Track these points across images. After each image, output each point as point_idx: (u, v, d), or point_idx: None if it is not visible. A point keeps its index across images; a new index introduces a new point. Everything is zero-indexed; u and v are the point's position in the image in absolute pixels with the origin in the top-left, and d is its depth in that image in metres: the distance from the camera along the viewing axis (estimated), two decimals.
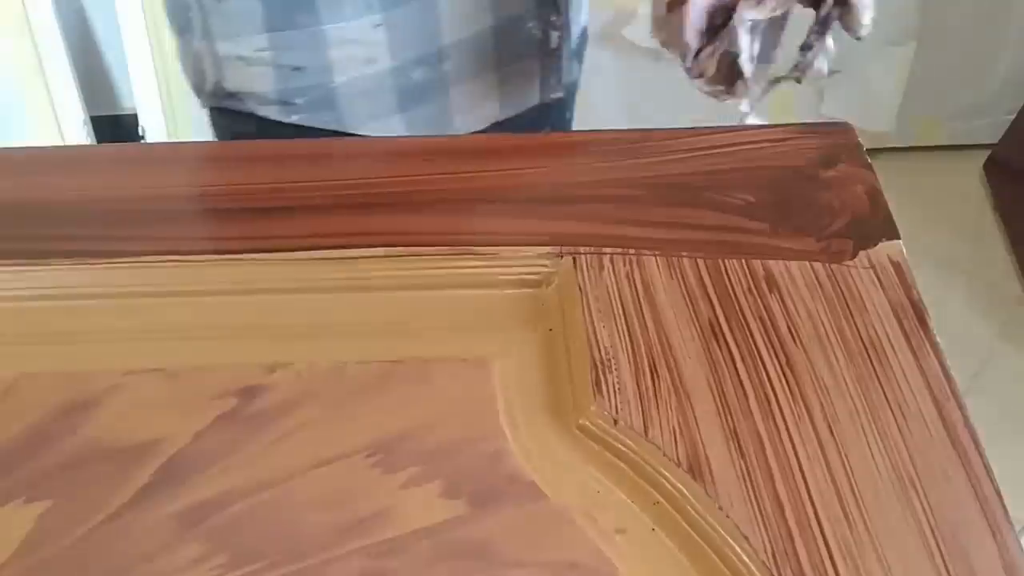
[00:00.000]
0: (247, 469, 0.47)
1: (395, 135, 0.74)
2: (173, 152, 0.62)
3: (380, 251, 0.54)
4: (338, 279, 0.54)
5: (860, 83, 1.79)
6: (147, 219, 0.56)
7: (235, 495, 0.46)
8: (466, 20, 0.72)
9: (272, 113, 0.74)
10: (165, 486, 0.46)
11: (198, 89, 0.78)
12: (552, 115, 0.84)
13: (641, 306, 0.51)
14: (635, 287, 0.52)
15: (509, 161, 0.59)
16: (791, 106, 1.78)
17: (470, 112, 0.78)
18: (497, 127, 0.80)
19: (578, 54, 0.84)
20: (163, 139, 1.79)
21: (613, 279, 0.53)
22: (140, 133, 1.80)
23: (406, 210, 0.56)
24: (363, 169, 0.59)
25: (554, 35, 0.77)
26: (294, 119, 0.74)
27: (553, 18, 0.76)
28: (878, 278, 0.53)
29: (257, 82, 0.73)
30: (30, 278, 0.54)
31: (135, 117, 1.80)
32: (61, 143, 1.82)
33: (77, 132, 1.82)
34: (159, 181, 0.58)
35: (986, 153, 1.95)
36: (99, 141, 1.86)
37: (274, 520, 0.45)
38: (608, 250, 0.54)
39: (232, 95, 0.75)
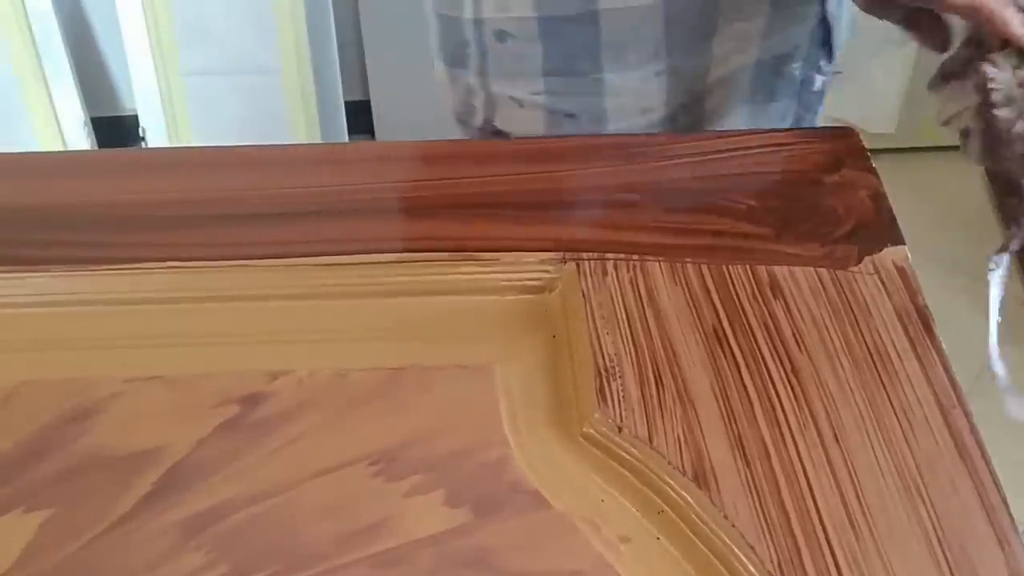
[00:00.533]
0: (249, 477, 0.46)
1: None
2: (172, 157, 0.62)
3: (382, 257, 0.54)
4: (340, 285, 0.54)
5: (862, 84, 1.79)
6: (147, 225, 0.56)
7: (237, 503, 0.45)
8: (734, 56, 0.70)
9: None
10: (167, 494, 0.46)
11: (463, 121, 0.76)
12: None
13: (645, 312, 0.51)
14: (639, 293, 0.52)
15: (512, 166, 0.59)
16: None
17: None
18: None
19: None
20: (164, 140, 1.79)
21: (617, 285, 0.52)
22: (141, 134, 1.80)
23: (408, 216, 0.56)
24: (364, 175, 0.59)
25: (819, 79, 0.75)
26: None
27: (823, 62, 0.74)
28: (883, 284, 0.52)
29: (528, 125, 0.71)
30: (30, 284, 0.54)
31: (136, 118, 1.80)
32: (61, 144, 1.82)
33: (77, 133, 1.83)
34: (158, 187, 0.58)
35: None
36: (100, 142, 1.86)
37: (276, 529, 0.45)
38: (611, 256, 0.54)
39: (500, 133, 0.73)
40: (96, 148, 1.85)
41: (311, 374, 0.51)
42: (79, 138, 1.82)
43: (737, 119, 0.75)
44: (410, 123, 1.90)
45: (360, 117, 1.90)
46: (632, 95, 0.69)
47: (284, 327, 0.53)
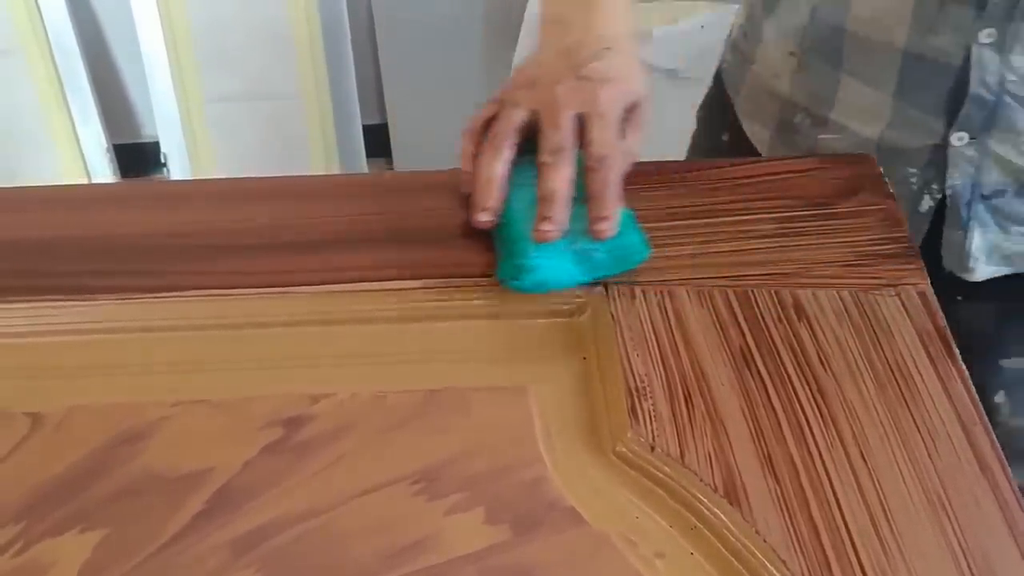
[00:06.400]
0: (296, 497, 0.48)
1: None
2: (213, 188, 0.64)
3: (417, 283, 0.56)
4: (376, 311, 0.56)
5: None
6: (190, 255, 0.58)
7: (286, 522, 0.47)
8: None
9: None
10: (217, 514, 0.48)
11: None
12: None
13: (673, 335, 0.53)
14: (667, 316, 0.54)
15: None
16: None
17: None
18: None
19: None
20: (185, 166, 1.82)
21: (645, 308, 0.54)
22: (162, 160, 1.83)
23: (441, 243, 0.58)
24: (397, 204, 0.61)
25: None
26: None
27: None
28: (904, 305, 0.54)
29: None
30: (78, 313, 0.56)
31: (157, 145, 1.83)
32: (84, 170, 1.84)
33: (99, 160, 1.85)
34: (199, 217, 0.60)
35: None
36: (121, 169, 1.89)
37: (324, 547, 0.46)
38: (640, 280, 0.55)
39: None
40: (118, 174, 1.88)
41: (351, 396, 0.53)
42: (101, 165, 1.86)
43: None
44: (426, 146, 1.92)
45: (377, 141, 1.92)
46: None
47: (324, 351, 0.55)
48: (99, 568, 0.46)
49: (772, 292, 0.55)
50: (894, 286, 0.55)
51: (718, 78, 0.83)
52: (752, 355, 0.52)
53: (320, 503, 0.48)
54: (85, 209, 0.62)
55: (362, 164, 1.87)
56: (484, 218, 0.57)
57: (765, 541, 0.44)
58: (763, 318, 0.53)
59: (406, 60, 1.84)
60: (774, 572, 0.44)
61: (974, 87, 0.63)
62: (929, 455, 0.48)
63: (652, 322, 0.53)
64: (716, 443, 0.48)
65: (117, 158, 1.88)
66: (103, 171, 1.86)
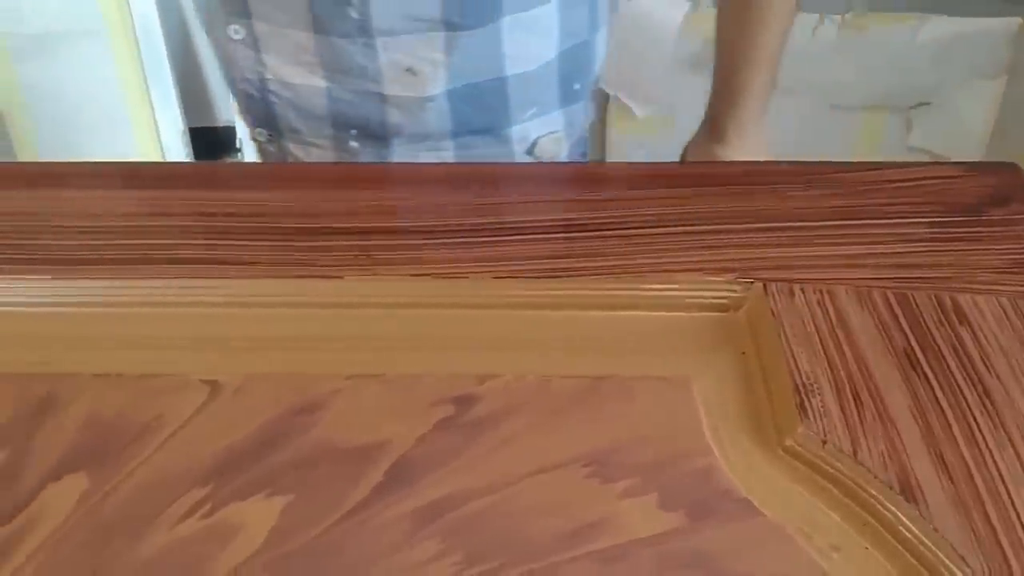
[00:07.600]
0: (471, 473, 0.49)
1: None
2: (374, 172, 0.65)
3: (581, 272, 0.57)
4: (540, 296, 0.57)
5: (949, 115, 1.80)
6: (359, 235, 0.59)
7: (463, 497, 0.48)
8: None
9: None
10: (396, 487, 0.49)
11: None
12: None
13: (836, 333, 0.54)
14: (828, 315, 0.54)
15: (696, 188, 0.62)
16: (879, 137, 1.79)
17: None
18: None
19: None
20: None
21: (805, 306, 0.55)
22: (237, 146, 1.85)
23: (606, 235, 0.59)
24: (564, 193, 0.62)
25: None
26: None
27: None
28: None
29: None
30: (260, 286, 0.57)
31: (232, 130, 1.86)
32: (159, 152, 1.87)
33: (175, 143, 1.88)
34: (362, 198, 0.62)
35: None
36: (196, 152, 1.91)
37: (504, 522, 0.47)
38: (798, 278, 0.56)
39: None
40: (192, 157, 1.90)
41: (517, 379, 0.54)
42: (176, 147, 1.88)
43: None
44: None
45: None
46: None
47: (492, 334, 0.56)
48: (287, 532, 0.47)
49: (931, 295, 0.55)
50: None
51: None
52: (916, 357, 0.52)
53: (496, 480, 0.49)
54: (240, 188, 0.63)
55: None
56: None
57: (944, 538, 0.45)
58: (924, 320, 0.54)
59: None
60: (954, 569, 0.44)
61: (238, 82, 0.63)
62: None
63: (814, 320, 0.54)
64: (888, 442, 0.49)
65: (192, 141, 1.90)
66: (178, 153, 1.88)
